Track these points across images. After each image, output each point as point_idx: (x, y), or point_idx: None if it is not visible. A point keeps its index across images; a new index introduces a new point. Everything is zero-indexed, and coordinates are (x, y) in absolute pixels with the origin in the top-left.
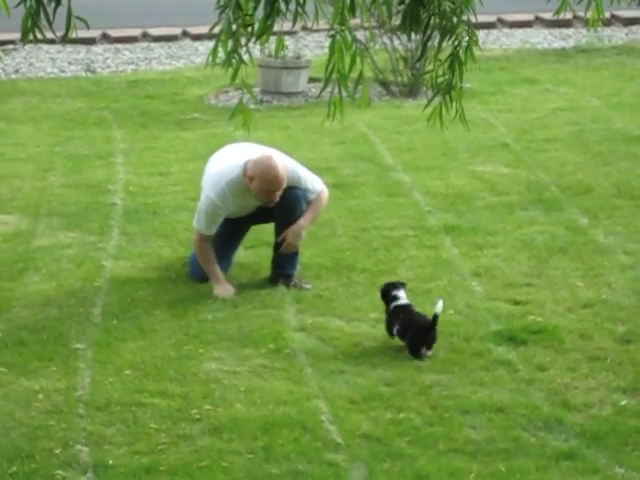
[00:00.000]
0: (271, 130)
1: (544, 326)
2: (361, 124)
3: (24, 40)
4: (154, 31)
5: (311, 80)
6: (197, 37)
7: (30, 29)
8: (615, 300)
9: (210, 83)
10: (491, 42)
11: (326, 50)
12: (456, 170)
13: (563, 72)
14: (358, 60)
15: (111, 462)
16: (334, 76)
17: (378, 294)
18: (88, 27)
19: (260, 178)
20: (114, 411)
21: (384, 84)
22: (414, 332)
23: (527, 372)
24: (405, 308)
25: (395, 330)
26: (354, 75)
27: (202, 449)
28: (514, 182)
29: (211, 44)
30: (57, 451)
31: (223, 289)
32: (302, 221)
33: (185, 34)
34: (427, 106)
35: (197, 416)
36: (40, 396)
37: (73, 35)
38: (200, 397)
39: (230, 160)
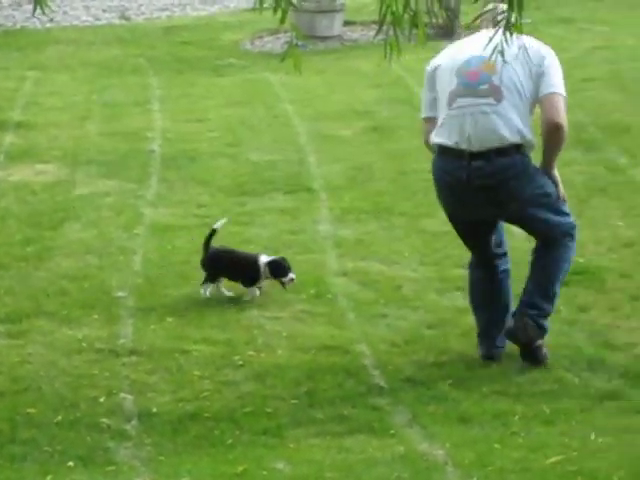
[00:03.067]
0: (307, 74)
1: (585, 267)
2: (397, 67)
3: None
4: None
5: (346, 23)
6: None
7: None
8: None
9: (245, 28)
10: None
11: None
12: None
13: (599, 10)
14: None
15: (155, 410)
16: (388, 18)
17: None
18: None
19: None
20: (157, 359)
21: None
22: None
23: (569, 313)
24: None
25: None
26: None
27: (246, 395)
28: None
29: None
30: (101, 399)
31: None
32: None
33: None
34: (489, 43)
35: (240, 362)
36: (83, 345)
37: None
38: (243, 343)
39: None
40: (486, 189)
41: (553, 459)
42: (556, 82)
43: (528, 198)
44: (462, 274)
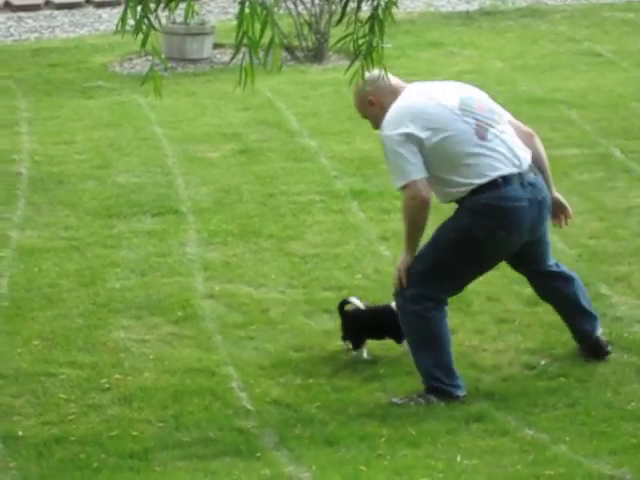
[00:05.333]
0: (176, 97)
1: None
2: (266, 89)
3: None
4: None
5: (216, 46)
6: (100, 4)
7: None
8: None
9: (114, 51)
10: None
11: (230, 16)
12: (362, 134)
13: (467, 35)
14: (268, 26)
15: (21, 433)
16: (245, 43)
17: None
18: None
19: None
20: (23, 382)
21: (289, 49)
22: None
23: None
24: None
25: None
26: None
27: (112, 418)
28: None
29: (115, 11)
30: None
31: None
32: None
33: (88, 1)
34: (349, 69)
35: (107, 385)
36: None
37: None
38: (109, 366)
39: None
40: (544, 201)
41: None
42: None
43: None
44: (330, 296)
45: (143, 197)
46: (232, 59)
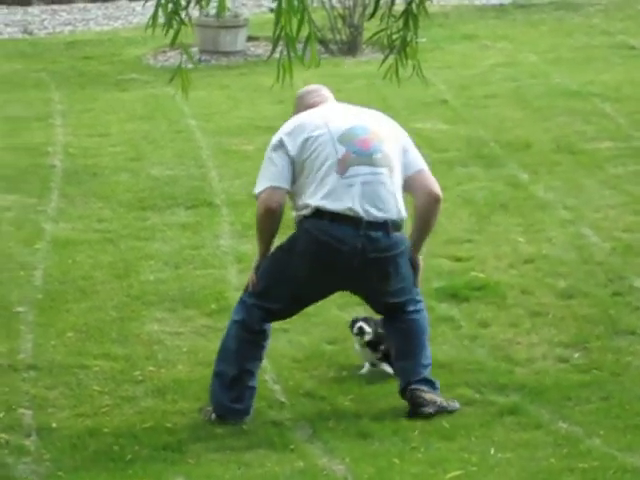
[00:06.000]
0: (210, 89)
1: (486, 282)
2: (300, 83)
3: None
4: None
5: (249, 39)
6: None
7: None
8: (556, 255)
9: (148, 43)
10: None
11: (264, 9)
12: None
13: (501, 28)
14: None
15: (54, 425)
16: (282, 38)
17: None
18: None
19: None
20: (57, 374)
21: (322, 42)
22: None
23: (470, 328)
24: None
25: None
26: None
27: (146, 410)
28: (453, 139)
29: (148, 4)
30: (0, 415)
31: None
32: None
33: None
34: (383, 63)
35: (140, 378)
36: None
37: None
38: (143, 359)
39: None
40: (376, 261)
41: (452, 474)
42: (420, 157)
43: (402, 279)
44: None
45: (177, 190)
46: (270, 55)
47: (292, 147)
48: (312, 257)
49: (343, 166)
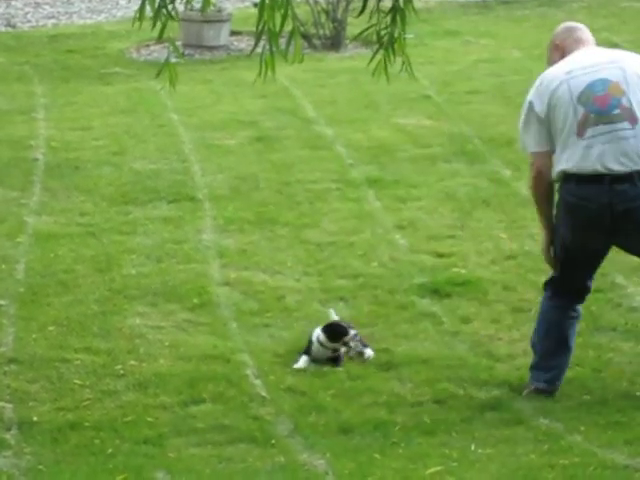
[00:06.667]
0: (193, 84)
1: (468, 278)
2: (283, 77)
3: None
4: None
5: (233, 33)
6: None
7: None
8: (538, 251)
9: (131, 37)
10: None
11: (247, 3)
12: (378, 122)
13: (484, 24)
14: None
15: (35, 419)
16: (264, 33)
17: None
18: None
19: None
20: (38, 367)
21: (306, 37)
22: None
23: (451, 324)
24: None
25: None
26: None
27: (127, 404)
28: (436, 134)
29: None
30: None
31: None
32: None
33: None
34: (372, 60)
35: (122, 371)
36: None
37: None
38: (124, 352)
39: None
40: (628, 212)
41: (432, 469)
42: None
43: None
44: (345, 284)
45: (159, 184)
46: (252, 50)
47: (540, 109)
48: (570, 221)
49: (582, 128)
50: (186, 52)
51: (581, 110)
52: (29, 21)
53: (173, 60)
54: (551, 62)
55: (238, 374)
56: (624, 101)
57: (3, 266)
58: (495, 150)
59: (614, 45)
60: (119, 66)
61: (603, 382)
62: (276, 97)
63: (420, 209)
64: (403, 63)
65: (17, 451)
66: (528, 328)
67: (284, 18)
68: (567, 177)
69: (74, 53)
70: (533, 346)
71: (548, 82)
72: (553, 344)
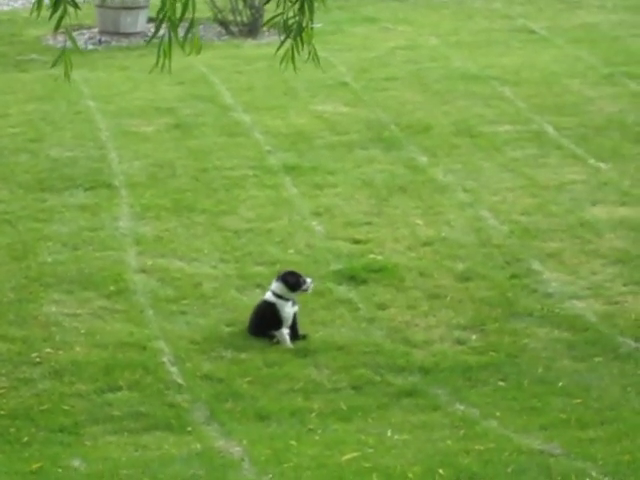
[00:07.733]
0: (110, 70)
1: (384, 265)
2: (200, 64)
3: None
4: None
5: (150, 20)
6: None
7: None
8: (454, 238)
9: (48, 24)
10: None
11: None
12: (296, 109)
13: (402, 11)
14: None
15: None
16: (165, 22)
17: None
18: None
19: None
20: None
21: (223, 24)
22: None
23: (368, 311)
24: None
25: None
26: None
27: (43, 392)
28: (354, 121)
29: None
30: None
31: None
32: None
33: None
34: (279, 48)
35: (37, 359)
36: None
37: None
38: (40, 340)
39: None
40: None
41: (349, 456)
42: None
43: None
44: (262, 271)
45: (76, 171)
46: (150, 39)
47: None
48: None
49: None
50: (102, 39)
51: None
52: None
53: (89, 47)
54: None
55: (154, 361)
56: None
57: None
58: (412, 137)
59: (531, 32)
60: (36, 53)
61: (518, 368)
62: (193, 84)
63: (337, 196)
64: (309, 53)
65: None
66: (444, 314)
67: (185, 7)
68: None
69: None
70: None
71: None
72: None
